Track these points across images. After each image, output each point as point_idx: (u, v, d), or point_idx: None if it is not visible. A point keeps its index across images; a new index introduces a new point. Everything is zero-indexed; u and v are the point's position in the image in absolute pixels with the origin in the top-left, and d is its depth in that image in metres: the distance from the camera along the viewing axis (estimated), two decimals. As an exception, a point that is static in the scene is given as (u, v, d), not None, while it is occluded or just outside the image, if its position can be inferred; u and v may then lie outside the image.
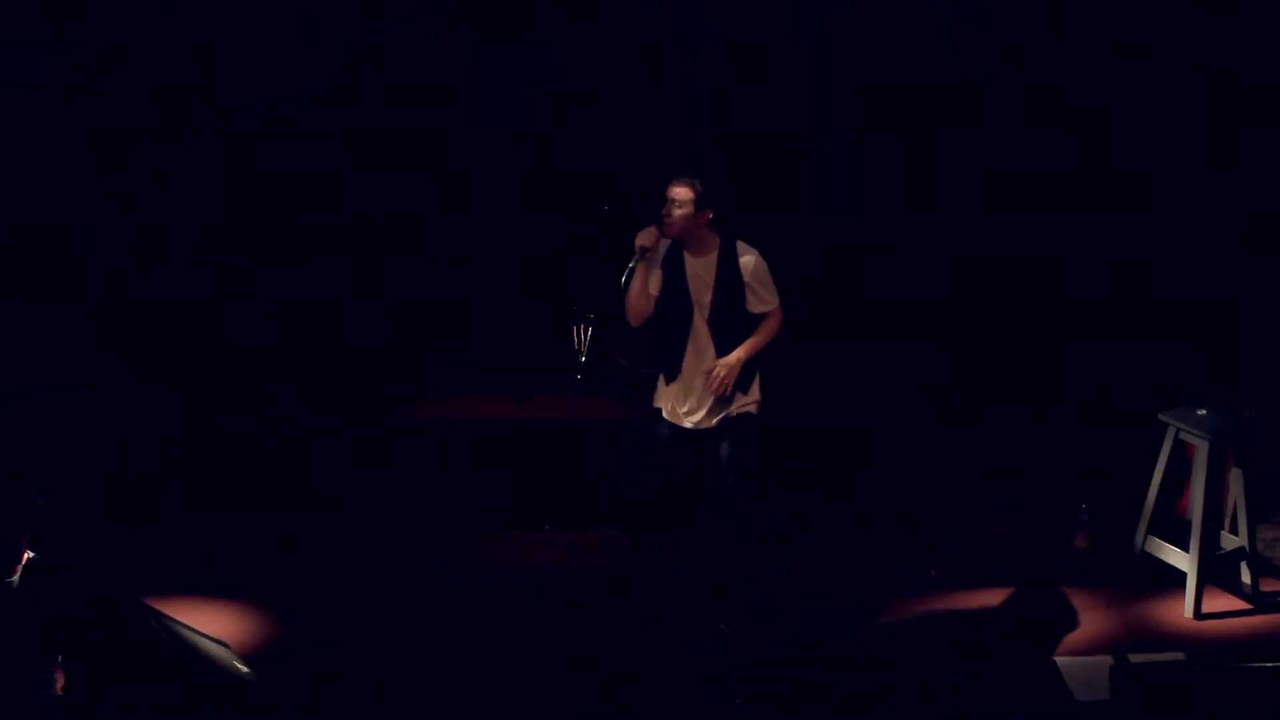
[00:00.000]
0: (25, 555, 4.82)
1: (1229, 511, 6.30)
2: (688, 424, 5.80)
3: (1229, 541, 6.29)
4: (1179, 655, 5.79)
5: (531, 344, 7.78)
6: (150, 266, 8.00)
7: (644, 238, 5.70)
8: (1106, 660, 5.69)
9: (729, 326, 5.74)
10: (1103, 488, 6.84)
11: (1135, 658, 5.73)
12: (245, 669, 5.30)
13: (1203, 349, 7.47)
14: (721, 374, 5.67)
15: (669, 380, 5.86)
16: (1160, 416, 6.26)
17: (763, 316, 5.77)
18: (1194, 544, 6.10)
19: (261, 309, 8.02)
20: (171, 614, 5.30)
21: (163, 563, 6.57)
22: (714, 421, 5.78)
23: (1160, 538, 6.28)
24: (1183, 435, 6.19)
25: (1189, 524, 6.16)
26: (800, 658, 5.64)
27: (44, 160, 7.87)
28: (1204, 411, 6.20)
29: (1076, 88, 8.03)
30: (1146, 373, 7.38)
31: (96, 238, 7.94)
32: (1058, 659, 5.78)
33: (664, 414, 5.87)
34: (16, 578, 4.79)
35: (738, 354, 5.70)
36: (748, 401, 5.83)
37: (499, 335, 8.01)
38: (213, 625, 5.90)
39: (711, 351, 5.75)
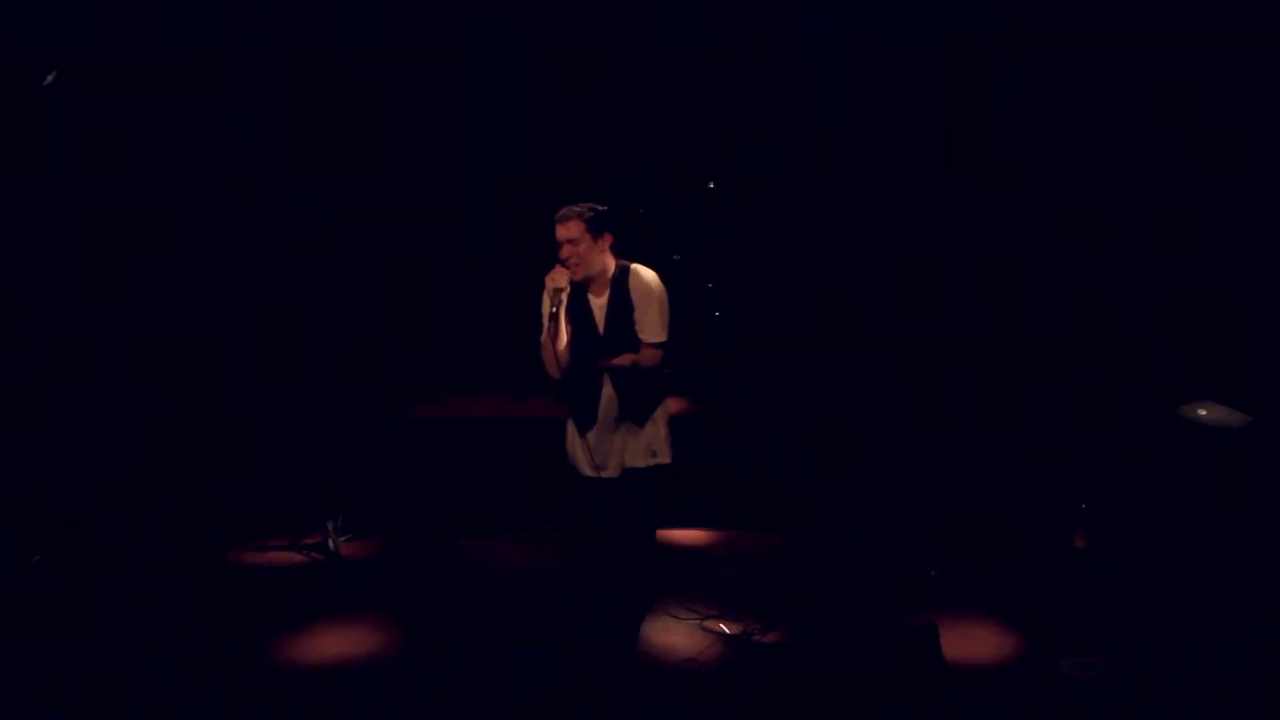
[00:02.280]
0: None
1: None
2: (598, 474, 5.45)
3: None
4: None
5: (532, 343, 7.78)
6: (147, 263, 8.00)
7: (557, 279, 5.19)
8: (1106, 660, 5.69)
9: (628, 383, 5.36)
10: (1103, 488, 6.84)
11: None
12: (243, 670, 5.31)
13: (1203, 349, 7.47)
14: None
15: (585, 429, 5.44)
16: (1160, 416, 6.26)
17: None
18: (1194, 544, 6.11)
19: (260, 308, 8.03)
20: (171, 613, 5.31)
21: (162, 562, 6.59)
22: (623, 468, 5.45)
23: (1160, 537, 6.28)
24: (1183, 435, 6.18)
25: (1189, 523, 6.16)
26: (801, 658, 5.63)
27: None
28: (1204, 411, 6.20)
29: (1076, 86, 8.06)
30: (1146, 373, 7.39)
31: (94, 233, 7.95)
32: (1058, 659, 5.77)
33: (577, 468, 5.53)
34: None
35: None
36: (643, 450, 5.45)
37: (499, 335, 8.01)
38: (212, 624, 5.91)
39: (610, 390, 5.37)
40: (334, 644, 5.99)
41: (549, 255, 5.80)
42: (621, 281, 5.33)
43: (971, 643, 5.90)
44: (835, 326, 8.10)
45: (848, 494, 7.06)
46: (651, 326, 5.34)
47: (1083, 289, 7.96)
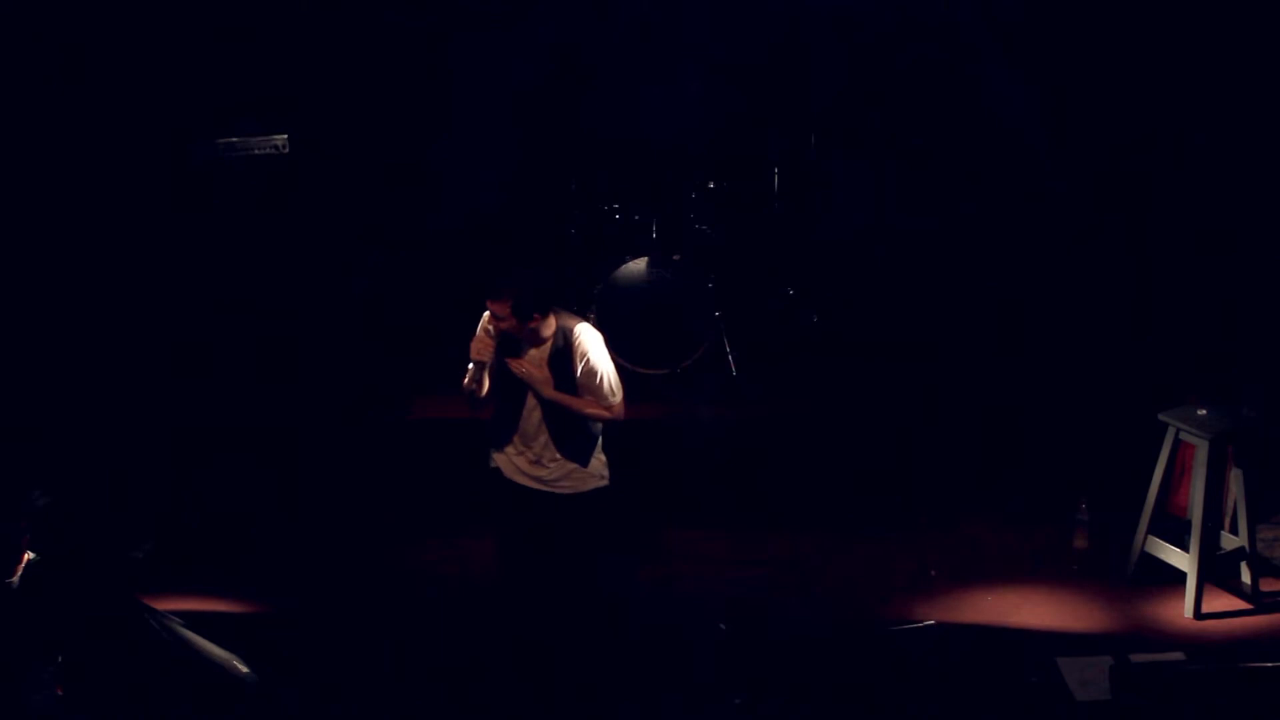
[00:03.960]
0: (25, 555, 4.82)
1: (1229, 511, 6.31)
2: (525, 482, 5.44)
3: (1229, 541, 6.29)
4: (1179, 655, 5.79)
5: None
6: (141, 259, 7.98)
7: (481, 352, 5.23)
8: (1106, 660, 5.69)
9: (563, 412, 5.32)
10: (1103, 488, 6.84)
11: (1135, 658, 5.73)
12: (244, 669, 5.30)
13: (1202, 349, 7.47)
14: (523, 368, 5.24)
15: (500, 447, 5.49)
16: (1160, 416, 6.25)
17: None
18: (1194, 544, 6.10)
19: (260, 307, 8.01)
20: (171, 614, 5.30)
21: (163, 562, 6.60)
22: (555, 488, 5.40)
23: (1160, 538, 6.28)
24: (1183, 435, 6.18)
25: (1189, 524, 6.16)
26: (799, 658, 5.63)
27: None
28: (1204, 411, 6.19)
29: (1076, 90, 8.06)
30: (1147, 373, 7.38)
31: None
32: (1058, 659, 5.78)
33: (504, 472, 5.50)
34: (17, 578, 4.79)
35: (549, 389, 5.24)
36: (591, 476, 5.42)
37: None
38: (213, 625, 5.91)
39: (546, 435, 5.32)
40: (333, 644, 6.01)
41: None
42: (563, 343, 5.29)
43: (971, 641, 5.90)
44: (832, 326, 8.08)
45: (847, 494, 7.06)
46: (607, 388, 5.31)
47: (1082, 286, 7.96)
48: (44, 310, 7.65)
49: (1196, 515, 6.10)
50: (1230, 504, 6.30)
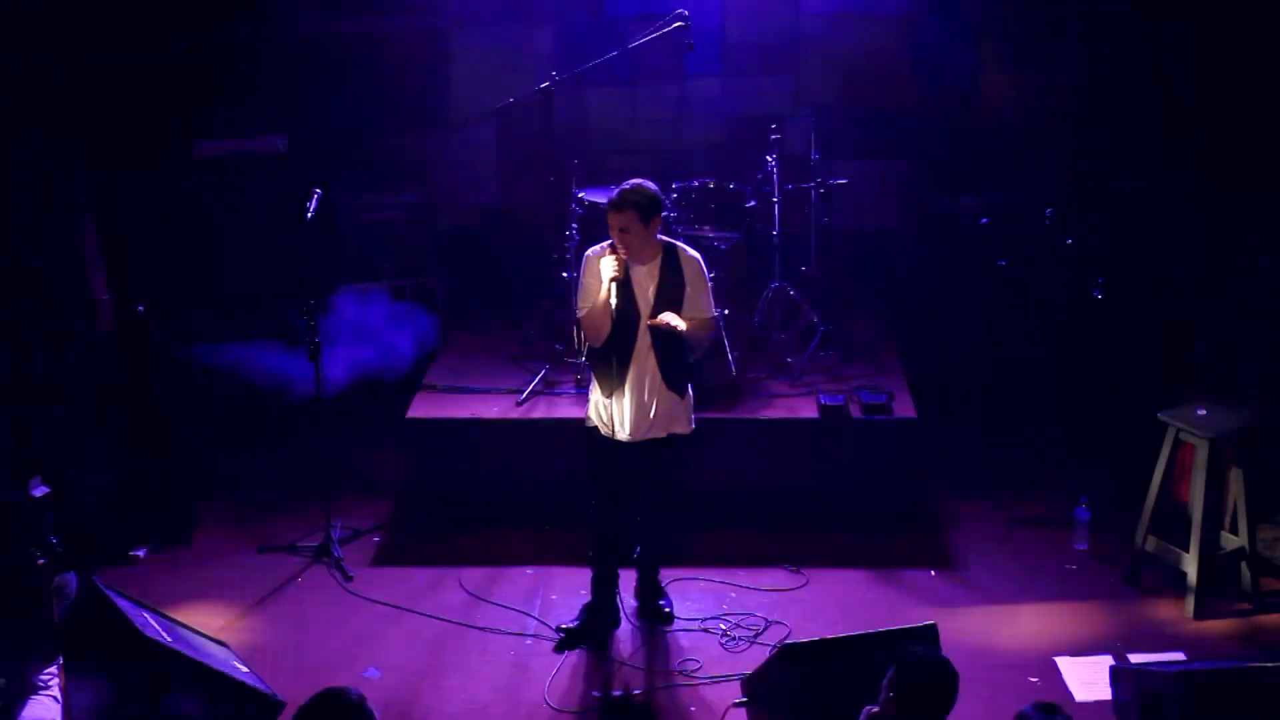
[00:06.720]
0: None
1: (1229, 511, 6.31)
2: (622, 437, 5.61)
3: (1229, 541, 6.29)
4: (1179, 655, 5.80)
5: (533, 343, 7.79)
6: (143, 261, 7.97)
7: (615, 269, 5.42)
8: (1106, 660, 5.70)
9: (672, 335, 5.53)
10: (1103, 487, 6.85)
11: (1135, 658, 5.74)
12: (244, 668, 5.31)
13: (1204, 349, 7.46)
14: (667, 320, 5.45)
15: (609, 393, 5.59)
16: (1160, 416, 6.26)
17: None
18: (1194, 544, 6.10)
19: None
20: (172, 614, 5.31)
21: (164, 562, 6.60)
22: (653, 435, 5.62)
23: (1160, 538, 6.28)
24: (1183, 435, 6.18)
25: (1189, 523, 6.15)
26: (801, 657, 5.63)
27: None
28: (1204, 411, 6.19)
29: (1076, 93, 8.08)
30: (1147, 373, 7.38)
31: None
32: (1058, 659, 5.78)
33: (600, 431, 5.67)
34: None
35: (680, 322, 5.47)
36: (684, 417, 5.68)
37: (499, 334, 8.02)
38: (213, 625, 5.91)
39: (654, 361, 5.55)
40: (332, 644, 6.01)
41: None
42: (671, 259, 5.56)
43: (972, 644, 5.90)
44: (831, 323, 8.08)
45: (848, 494, 7.05)
46: (709, 303, 5.63)
47: (1082, 285, 7.95)
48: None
49: (1196, 515, 6.10)
50: (1230, 504, 6.29)
